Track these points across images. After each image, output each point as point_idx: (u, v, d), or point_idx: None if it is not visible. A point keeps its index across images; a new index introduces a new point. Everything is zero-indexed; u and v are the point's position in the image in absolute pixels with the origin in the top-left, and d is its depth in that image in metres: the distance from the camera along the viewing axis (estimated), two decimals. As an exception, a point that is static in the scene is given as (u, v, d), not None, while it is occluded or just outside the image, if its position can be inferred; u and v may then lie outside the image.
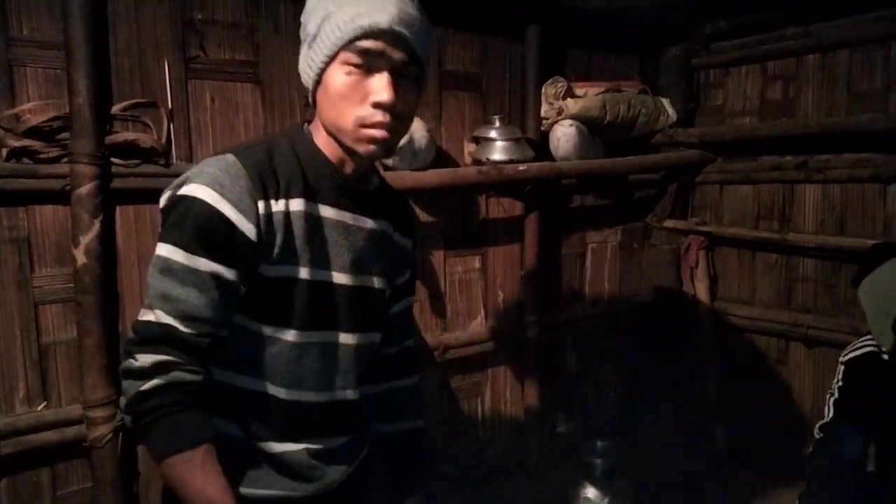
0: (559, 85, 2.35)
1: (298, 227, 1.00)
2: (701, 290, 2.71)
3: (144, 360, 0.91)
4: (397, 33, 0.93)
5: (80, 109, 1.53)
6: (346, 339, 1.08)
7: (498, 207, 2.37)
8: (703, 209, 2.80)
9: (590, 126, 2.38)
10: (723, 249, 2.74)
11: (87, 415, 1.60)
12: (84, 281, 1.57)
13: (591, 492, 2.20)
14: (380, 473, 1.32)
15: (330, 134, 1.03)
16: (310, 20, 0.97)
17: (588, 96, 2.39)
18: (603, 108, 2.40)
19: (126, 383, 0.92)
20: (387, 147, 1.00)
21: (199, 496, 0.90)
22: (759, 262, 2.62)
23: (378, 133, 0.97)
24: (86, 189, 1.55)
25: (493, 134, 2.18)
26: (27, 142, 1.51)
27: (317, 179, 1.03)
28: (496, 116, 2.21)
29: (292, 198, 1.00)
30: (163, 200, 0.98)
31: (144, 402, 0.90)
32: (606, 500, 2.18)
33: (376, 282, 1.12)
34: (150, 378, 0.90)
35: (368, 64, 0.95)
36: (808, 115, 2.42)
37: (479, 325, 2.36)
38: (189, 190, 0.94)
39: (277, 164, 1.00)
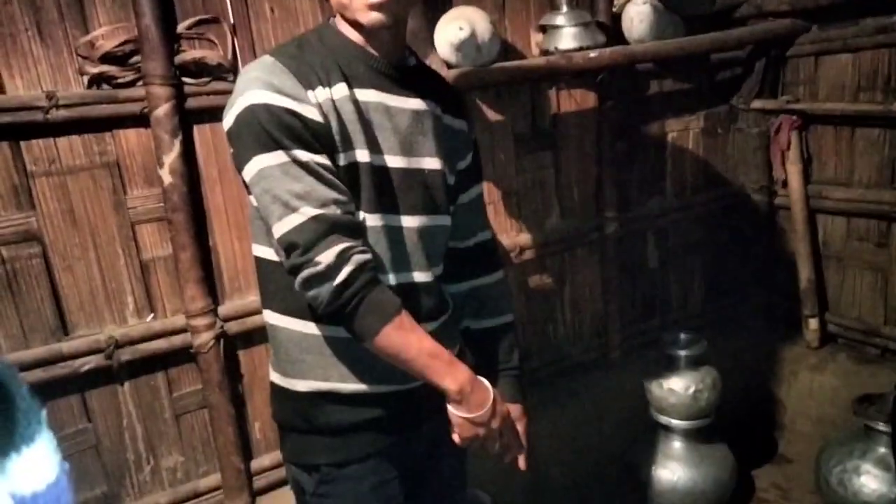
0: (631, -41, 2.16)
1: (347, 112, 1.01)
2: (793, 174, 2.54)
3: (327, 256, 0.94)
4: None
5: (147, 31, 1.56)
6: (408, 221, 1.09)
7: (570, 100, 2.27)
8: (795, 86, 2.57)
9: (665, 1, 2.20)
10: (818, 128, 2.53)
11: (190, 324, 1.73)
12: (172, 199, 1.66)
13: (674, 382, 2.20)
14: (473, 368, 1.37)
15: (345, 19, 1.01)
16: None
17: (663, -31, 2.19)
18: (680, -19, 2.20)
19: (314, 291, 0.96)
20: (390, 12, 0.98)
21: (421, 351, 1.01)
22: (859, 138, 2.41)
23: None
24: (163, 110, 1.60)
25: (560, 20, 2.06)
26: (104, 67, 1.56)
27: (350, 65, 1.03)
28: (563, 1, 2.07)
29: (334, 85, 1.01)
30: (227, 123, 1.00)
31: (342, 294, 0.95)
32: (691, 390, 2.18)
33: (429, 162, 1.11)
34: (339, 270, 0.94)
35: None
36: (922, -35, 2.13)
37: (554, 224, 2.33)
38: (247, 100, 0.96)
39: (311, 57, 1.01)
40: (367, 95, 1.04)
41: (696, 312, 2.74)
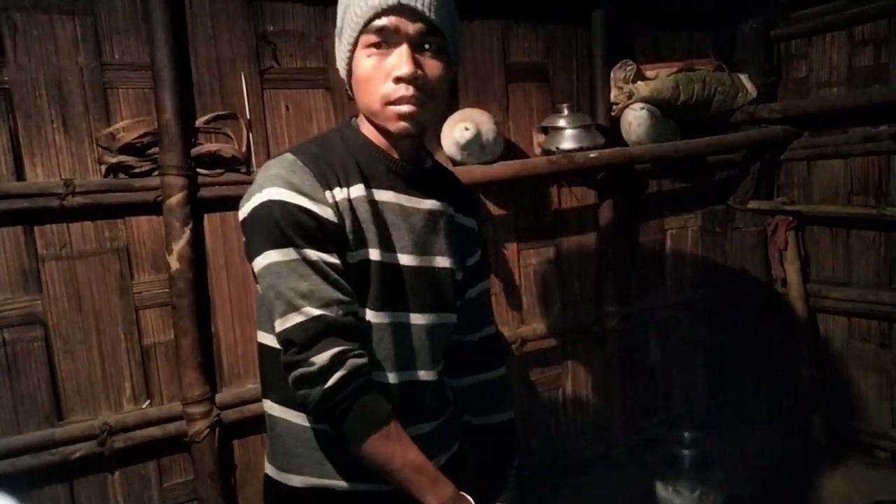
0: (628, 69, 2.29)
1: (363, 212, 1.04)
2: (791, 273, 2.57)
3: (321, 358, 0.94)
4: (409, 6, 0.96)
5: (167, 125, 1.64)
6: (417, 319, 1.10)
7: (571, 197, 2.34)
8: (789, 188, 2.66)
9: (663, 108, 2.30)
10: (814, 229, 2.59)
11: (186, 411, 1.71)
12: (178, 285, 1.68)
13: (680, 484, 2.13)
14: (471, 466, 1.34)
15: (369, 120, 1.06)
16: (338, 15, 1.03)
17: (660, 77, 2.32)
18: (676, 89, 2.32)
19: (305, 391, 0.96)
20: (417, 122, 1.02)
21: (405, 463, 0.98)
22: (855, 240, 2.46)
23: (404, 108, 1.00)
24: (176, 199, 1.65)
25: (561, 122, 2.16)
26: (122, 158, 1.63)
27: (369, 166, 1.07)
28: (564, 105, 2.18)
29: (352, 185, 1.04)
30: (243, 213, 1.03)
31: (333, 397, 0.95)
32: (697, 492, 2.11)
33: (441, 261, 1.13)
34: (332, 373, 0.94)
35: (387, 41, 0.99)
36: (904, 80, 2.25)
37: (556, 317, 2.34)
38: (265, 195, 0.99)
39: (332, 157, 1.05)
40: (384, 196, 1.07)
41: (700, 409, 2.69)
